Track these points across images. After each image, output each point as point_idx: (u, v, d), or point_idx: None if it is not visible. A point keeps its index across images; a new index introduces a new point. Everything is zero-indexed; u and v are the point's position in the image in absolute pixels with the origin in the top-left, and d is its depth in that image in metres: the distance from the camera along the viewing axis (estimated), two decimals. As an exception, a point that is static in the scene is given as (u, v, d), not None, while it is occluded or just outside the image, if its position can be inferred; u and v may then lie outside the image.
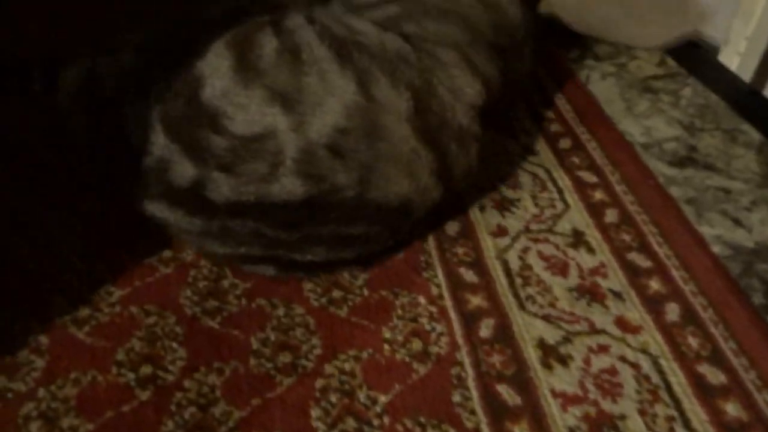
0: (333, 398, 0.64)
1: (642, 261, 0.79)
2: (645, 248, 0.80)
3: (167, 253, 0.78)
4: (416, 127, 0.70)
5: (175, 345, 0.68)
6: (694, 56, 1.18)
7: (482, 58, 0.77)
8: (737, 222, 0.86)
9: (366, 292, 0.75)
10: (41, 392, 0.64)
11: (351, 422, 0.63)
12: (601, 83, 1.12)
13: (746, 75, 1.14)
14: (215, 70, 0.68)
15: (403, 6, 0.80)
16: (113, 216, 0.81)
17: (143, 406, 0.63)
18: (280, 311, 0.72)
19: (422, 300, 0.74)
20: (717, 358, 0.68)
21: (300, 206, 0.66)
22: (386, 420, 0.63)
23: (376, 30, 0.74)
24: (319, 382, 0.66)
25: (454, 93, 0.73)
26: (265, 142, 0.66)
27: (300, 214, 0.67)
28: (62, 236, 0.79)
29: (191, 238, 0.74)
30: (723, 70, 1.16)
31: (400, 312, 0.73)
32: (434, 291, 0.75)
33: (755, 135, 1.01)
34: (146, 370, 0.66)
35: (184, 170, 0.67)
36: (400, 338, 0.70)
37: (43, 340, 0.68)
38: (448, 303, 0.74)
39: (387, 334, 0.70)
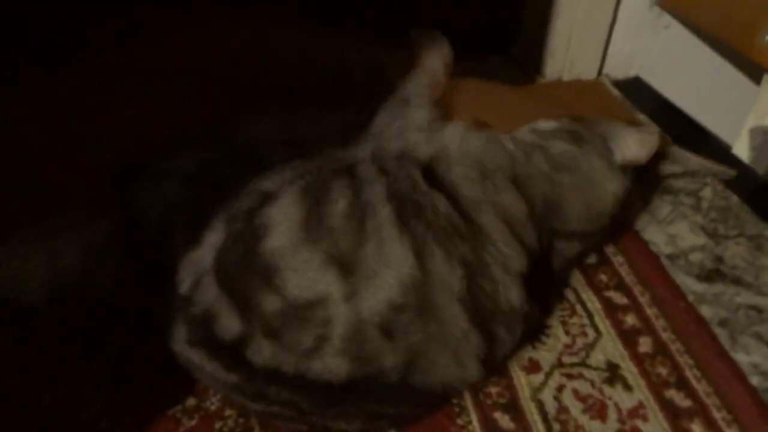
0: None
1: (681, 400, 0.77)
2: (683, 384, 0.78)
3: (191, 402, 0.75)
4: (468, 310, 0.66)
5: None
6: (710, 152, 1.17)
7: (530, 232, 0.75)
8: (773, 347, 0.84)
9: (400, 444, 0.72)
10: None
11: None
12: (620, 183, 1.11)
13: (761, 168, 1.14)
14: (283, 221, 0.64)
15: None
16: (137, 361, 0.78)
17: None
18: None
19: (459, 453, 0.71)
20: None
21: (340, 387, 0.63)
22: None
23: (432, 189, 0.71)
24: None
25: (504, 269, 0.71)
26: (315, 310, 0.62)
27: (339, 394, 0.64)
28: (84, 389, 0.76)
29: (224, 390, 0.71)
30: (738, 164, 1.15)
31: (436, 468, 0.70)
32: (470, 441, 0.72)
33: (781, 242, 0.99)
34: None
35: (230, 324, 0.64)
36: (438, 501, 0.67)
37: None
38: None
39: (424, 496, 0.67)
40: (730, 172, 1.09)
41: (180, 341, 0.67)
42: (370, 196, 0.68)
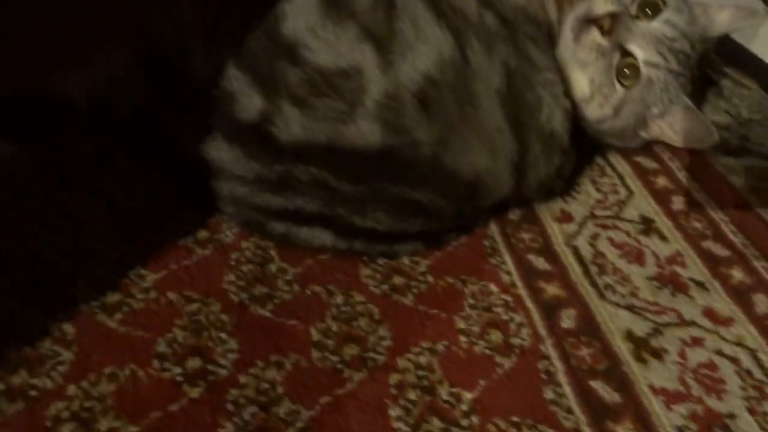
0: (412, 395, 0.57)
1: (719, 250, 0.73)
2: (720, 237, 0.75)
3: (203, 234, 0.69)
4: (506, 107, 0.64)
5: (224, 335, 0.60)
6: (727, 47, 1.15)
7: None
8: (805, 212, 0.81)
9: (430, 278, 0.67)
10: (72, 389, 0.54)
11: (437, 423, 0.55)
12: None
13: None
14: (300, 7, 0.62)
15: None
16: (140, 195, 0.72)
17: (195, 405, 0.54)
18: (338, 299, 0.64)
19: (494, 288, 0.67)
20: (819, 353, 0.63)
21: (372, 157, 0.60)
22: (475, 420, 0.55)
23: (476, 4, 0.68)
24: (394, 378, 0.58)
25: (553, 96, 0.68)
26: (349, 78, 0.60)
27: (371, 166, 0.60)
28: (83, 217, 0.69)
29: (241, 190, 0.65)
30: (752, 56, 1.13)
31: (471, 301, 0.65)
32: (505, 278, 0.68)
33: (803, 125, 0.97)
34: (194, 363, 0.57)
35: (251, 102, 0.61)
36: (476, 329, 0.63)
37: (68, 329, 0.59)
38: (523, 292, 0.67)
39: (461, 325, 0.63)
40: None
41: (198, 132, 0.64)
42: None
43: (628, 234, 0.75)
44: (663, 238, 0.75)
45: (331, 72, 0.60)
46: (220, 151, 0.63)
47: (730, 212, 0.79)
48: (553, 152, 0.69)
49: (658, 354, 0.62)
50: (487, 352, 0.61)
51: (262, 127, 0.61)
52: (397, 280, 0.67)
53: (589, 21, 0.72)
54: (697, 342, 0.63)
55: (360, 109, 0.59)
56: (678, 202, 0.80)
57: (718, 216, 0.78)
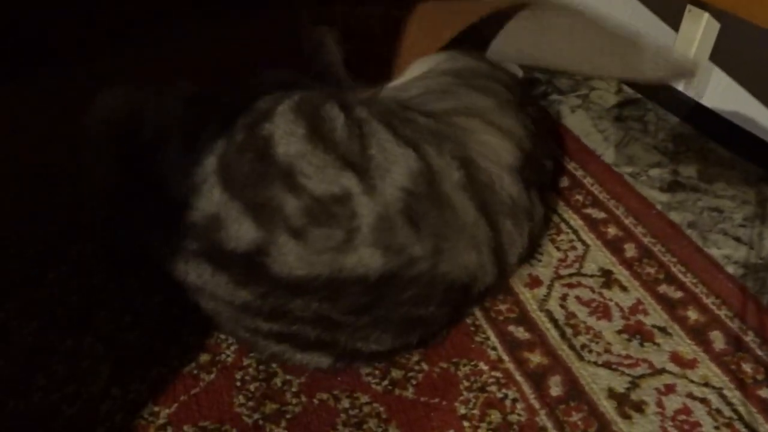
0: (432, 491, 0.61)
1: (673, 293, 0.81)
2: (672, 279, 0.83)
3: (205, 357, 0.72)
4: (473, 198, 0.69)
5: (247, 462, 0.63)
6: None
7: (507, 120, 0.78)
8: (738, 240, 0.91)
9: (425, 366, 0.72)
10: None
11: None
12: (572, 117, 1.16)
13: (692, 92, 1.23)
14: (289, 134, 0.66)
15: (419, 86, 0.82)
16: (136, 329, 0.74)
17: None
18: (345, 403, 0.68)
19: (483, 366, 0.72)
20: (773, 380, 0.72)
21: (374, 284, 0.63)
22: (493, 504, 0.61)
23: (405, 109, 0.75)
24: (412, 476, 0.63)
25: (491, 159, 0.73)
26: (342, 204, 0.63)
27: (373, 294, 0.63)
28: (85, 361, 0.71)
29: (226, 313, 0.67)
30: (674, 91, 1.23)
31: (466, 383, 0.71)
32: (492, 355, 0.74)
33: (723, 152, 1.08)
34: (225, 497, 0.60)
35: (242, 231, 0.62)
36: (476, 412, 0.68)
37: (96, 483, 0.61)
38: (510, 365, 0.73)
39: (462, 410, 0.68)
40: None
41: (172, 251, 0.65)
42: (360, 113, 0.71)
43: (592, 290, 0.82)
44: (623, 288, 0.82)
45: (326, 199, 0.63)
46: (202, 275, 0.64)
47: (676, 252, 0.87)
48: (522, 222, 0.74)
49: (639, 407, 0.69)
50: (491, 433, 0.66)
51: (254, 258, 0.62)
52: (396, 373, 0.71)
53: None
54: (670, 389, 0.71)
55: (358, 236, 0.62)
56: (630, 250, 0.87)
57: (666, 258, 0.86)
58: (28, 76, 1.06)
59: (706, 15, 1.16)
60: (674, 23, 1.23)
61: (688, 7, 1.20)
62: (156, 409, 0.67)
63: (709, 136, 1.12)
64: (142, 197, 0.71)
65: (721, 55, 1.16)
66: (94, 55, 1.08)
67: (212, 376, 0.70)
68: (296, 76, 0.83)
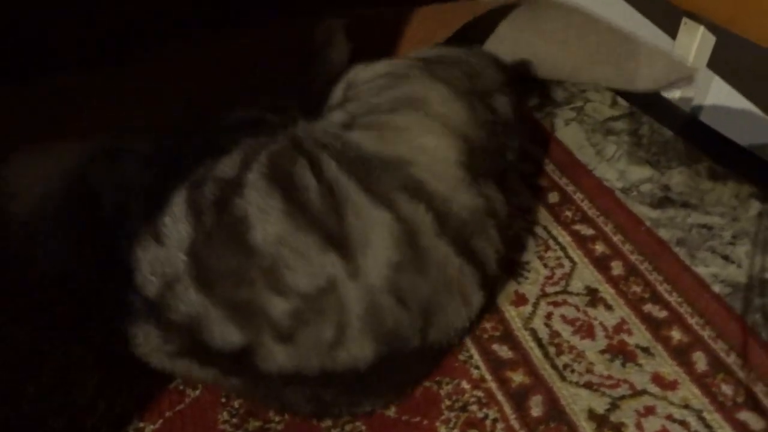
0: None
1: (658, 312, 0.82)
2: (657, 298, 0.84)
3: (191, 373, 0.73)
4: (449, 238, 0.66)
5: (229, 480, 0.64)
6: (640, 94, 1.25)
7: (454, 108, 0.76)
8: (726, 258, 0.91)
9: (408, 385, 0.73)
10: None
11: None
12: (566, 129, 1.16)
13: (687, 106, 1.23)
14: (265, 212, 0.61)
15: (382, 67, 0.81)
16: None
17: None
18: (328, 421, 0.69)
19: (466, 385, 0.73)
20: (753, 404, 0.72)
21: (367, 369, 0.61)
22: None
23: (351, 138, 0.71)
24: (391, 495, 0.64)
25: (434, 171, 0.69)
26: (328, 297, 0.60)
27: (366, 377, 0.62)
28: (72, 373, 0.72)
29: (223, 387, 0.68)
30: (669, 104, 1.23)
31: (448, 402, 0.72)
32: (475, 373, 0.75)
33: (716, 167, 1.08)
34: None
35: (226, 335, 0.59)
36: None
37: (80, 499, 0.62)
38: (492, 385, 0.74)
39: (443, 430, 0.69)
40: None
41: (152, 349, 0.63)
42: (329, 171, 0.66)
43: (577, 308, 0.82)
44: (608, 306, 0.83)
45: (313, 295, 0.59)
46: (188, 369, 0.63)
47: (663, 270, 0.88)
48: (488, 227, 0.71)
49: (618, 429, 0.70)
50: (470, 453, 0.67)
51: (242, 357, 0.60)
52: (378, 391, 0.72)
53: None
54: (649, 411, 0.71)
55: (348, 330, 0.60)
56: (617, 268, 0.88)
57: (653, 277, 0.87)
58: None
59: (702, 28, 1.17)
60: (672, 32, 1.23)
61: (684, 19, 1.20)
62: (141, 425, 0.68)
63: (702, 150, 1.12)
64: (106, 284, 0.67)
65: (719, 64, 1.17)
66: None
67: (197, 392, 0.71)
68: (261, 112, 0.77)
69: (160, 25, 1.11)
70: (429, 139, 0.72)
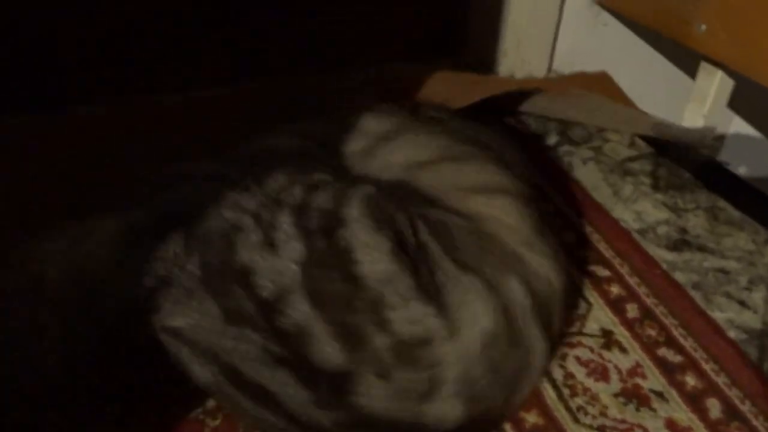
0: None
1: (672, 356, 0.83)
2: (672, 342, 0.84)
3: (211, 403, 0.75)
4: (540, 318, 0.66)
5: None
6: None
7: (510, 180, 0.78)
8: (743, 304, 0.92)
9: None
10: None
11: None
12: (583, 169, 1.18)
13: (707, 149, 1.24)
14: (371, 248, 0.61)
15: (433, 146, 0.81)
16: (147, 369, 0.77)
17: None
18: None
19: (480, 424, 0.74)
20: (767, 453, 0.72)
21: (452, 430, 0.62)
22: None
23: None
24: None
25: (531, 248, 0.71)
26: (424, 348, 0.59)
27: None
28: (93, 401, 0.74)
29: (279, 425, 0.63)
30: (686, 145, 1.25)
31: (462, 441, 0.72)
32: (489, 413, 0.75)
33: (733, 211, 1.09)
34: None
35: (330, 352, 0.58)
36: (470, 471, 0.70)
37: None
38: (507, 425, 0.74)
39: (456, 468, 0.70)
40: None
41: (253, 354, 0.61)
42: (422, 235, 0.66)
43: (591, 350, 0.83)
44: (623, 349, 0.84)
45: (410, 342, 0.58)
46: (284, 381, 0.60)
47: (678, 314, 0.88)
48: (559, 303, 0.73)
49: (631, 474, 0.70)
50: (483, 494, 0.68)
51: (342, 385, 0.59)
52: None
53: None
54: (663, 457, 0.72)
55: (443, 388, 0.59)
56: (632, 310, 0.89)
57: (668, 321, 0.87)
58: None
59: (720, 72, 1.18)
60: (692, 72, 1.25)
61: (702, 63, 1.22)
62: (161, 453, 0.70)
63: (720, 194, 1.13)
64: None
65: (739, 104, 1.18)
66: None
67: (217, 422, 0.73)
68: (303, 141, 0.78)
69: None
70: (503, 218, 0.72)
